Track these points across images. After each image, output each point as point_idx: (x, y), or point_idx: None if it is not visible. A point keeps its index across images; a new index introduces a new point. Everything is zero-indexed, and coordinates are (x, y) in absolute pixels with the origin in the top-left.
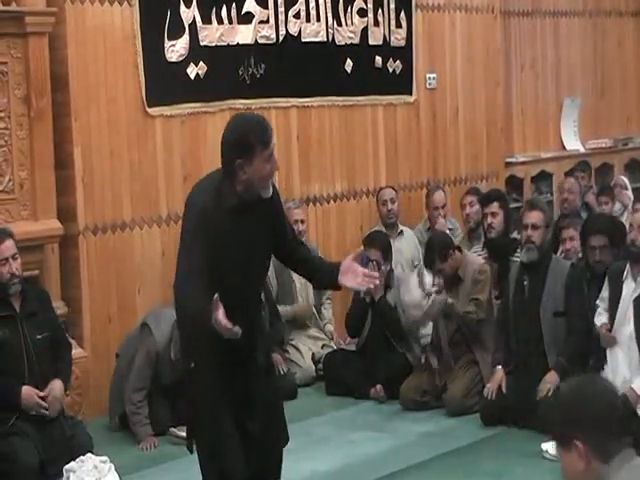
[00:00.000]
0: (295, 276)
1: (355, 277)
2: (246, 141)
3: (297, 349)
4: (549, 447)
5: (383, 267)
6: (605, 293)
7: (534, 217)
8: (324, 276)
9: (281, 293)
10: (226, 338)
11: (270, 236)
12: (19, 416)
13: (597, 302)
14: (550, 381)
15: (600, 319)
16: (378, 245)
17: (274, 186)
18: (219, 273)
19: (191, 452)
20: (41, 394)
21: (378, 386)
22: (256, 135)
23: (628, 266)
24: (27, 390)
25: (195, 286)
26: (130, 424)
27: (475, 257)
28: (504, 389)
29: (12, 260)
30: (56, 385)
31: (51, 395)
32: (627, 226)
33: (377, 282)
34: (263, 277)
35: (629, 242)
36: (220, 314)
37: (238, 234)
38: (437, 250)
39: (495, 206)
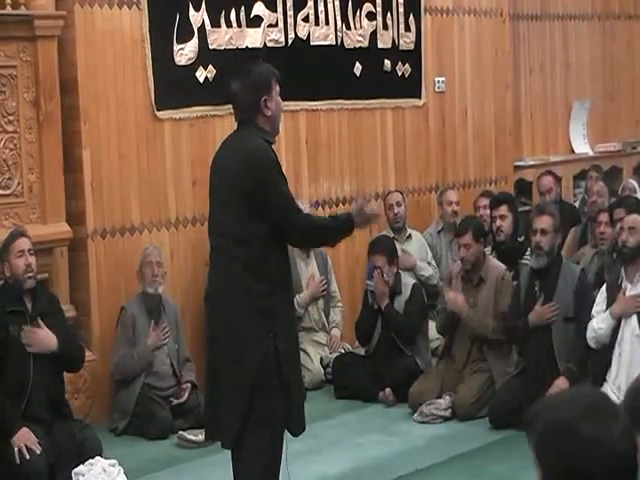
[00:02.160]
0: (303, 280)
1: None
2: (265, 78)
3: (306, 353)
4: None
5: (386, 275)
6: (603, 306)
7: (543, 222)
8: None
9: None
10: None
11: None
12: (27, 420)
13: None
14: (559, 386)
15: (599, 318)
16: (383, 251)
17: None
18: None
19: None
20: (35, 442)
21: (387, 390)
22: (268, 72)
23: (622, 270)
24: (24, 432)
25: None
26: (123, 379)
27: (498, 262)
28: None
29: (28, 254)
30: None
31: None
32: None
33: None
34: None
35: (620, 244)
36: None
37: None
38: (473, 228)
39: (504, 209)
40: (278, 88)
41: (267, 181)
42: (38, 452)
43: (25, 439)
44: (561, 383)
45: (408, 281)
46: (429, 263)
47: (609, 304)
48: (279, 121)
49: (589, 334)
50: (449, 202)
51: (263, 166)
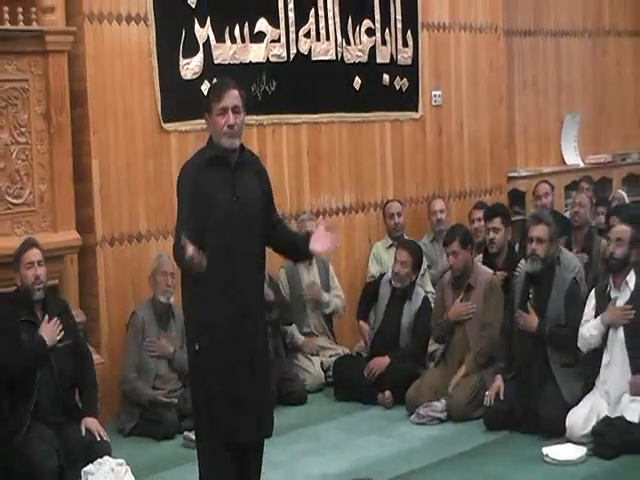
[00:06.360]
0: (305, 285)
1: (323, 242)
2: (207, 97)
3: (307, 357)
4: (550, 451)
5: (407, 270)
6: (592, 312)
7: (539, 231)
8: (298, 248)
9: (292, 304)
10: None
11: (260, 200)
12: (39, 419)
13: (582, 323)
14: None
15: (591, 324)
16: (410, 250)
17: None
18: (209, 226)
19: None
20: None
21: (387, 392)
22: (212, 92)
23: (610, 280)
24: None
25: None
26: (131, 399)
27: (485, 268)
28: (501, 396)
29: (38, 265)
30: (90, 424)
31: (91, 430)
32: None
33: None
34: (257, 238)
35: (608, 255)
36: (189, 248)
37: (223, 183)
38: (460, 234)
39: (497, 222)
40: (220, 105)
41: (177, 194)
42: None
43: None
44: None
45: (420, 291)
46: (422, 275)
47: (597, 310)
48: (219, 135)
49: (580, 340)
50: (434, 211)
51: (178, 178)
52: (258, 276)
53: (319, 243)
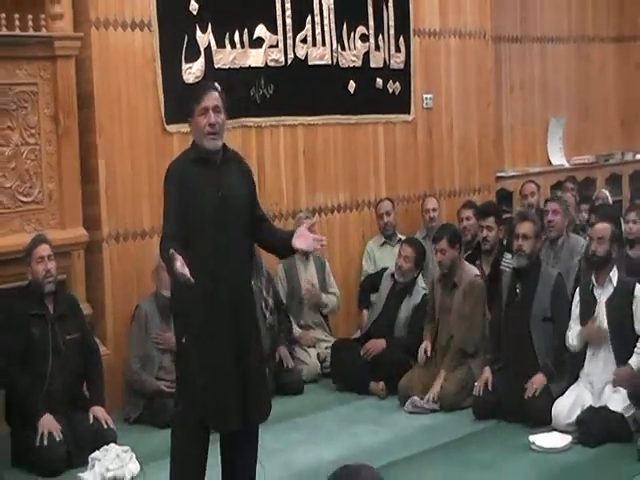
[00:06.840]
0: (302, 282)
1: (306, 240)
2: (189, 102)
3: (303, 349)
4: (536, 440)
5: (409, 265)
6: (577, 309)
7: (525, 228)
8: (282, 244)
9: (289, 299)
10: (214, 316)
11: (245, 195)
12: (48, 408)
13: (570, 323)
14: (537, 382)
15: (573, 333)
16: (414, 246)
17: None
18: (195, 222)
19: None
20: (57, 429)
21: (381, 383)
22: (193, 95)
23: (593, 277)
24: (49, 419)
25: (168, 243)
26: (135, 389)
27: (472, 267)
28: (490, 387)
29: (48, 260)
30: (97, 412)
31: (98, 418)
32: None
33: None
34: (243, 233)
35: (590, 253)
36: (178, 262)
37: (208, 179)
38: (449, 233)
39: (491, 220)
40: (200, 107)
41: (164, 193)
42: (58, 439)
43: (48, 425)
44: (538, 379)
45: (420, 288)
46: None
47: (582, 307)
48: (201, 136)
49: (567, 342)
50: (426, 209)
51: (164, 177)
52: (245, 270)
53: (300, 240)
